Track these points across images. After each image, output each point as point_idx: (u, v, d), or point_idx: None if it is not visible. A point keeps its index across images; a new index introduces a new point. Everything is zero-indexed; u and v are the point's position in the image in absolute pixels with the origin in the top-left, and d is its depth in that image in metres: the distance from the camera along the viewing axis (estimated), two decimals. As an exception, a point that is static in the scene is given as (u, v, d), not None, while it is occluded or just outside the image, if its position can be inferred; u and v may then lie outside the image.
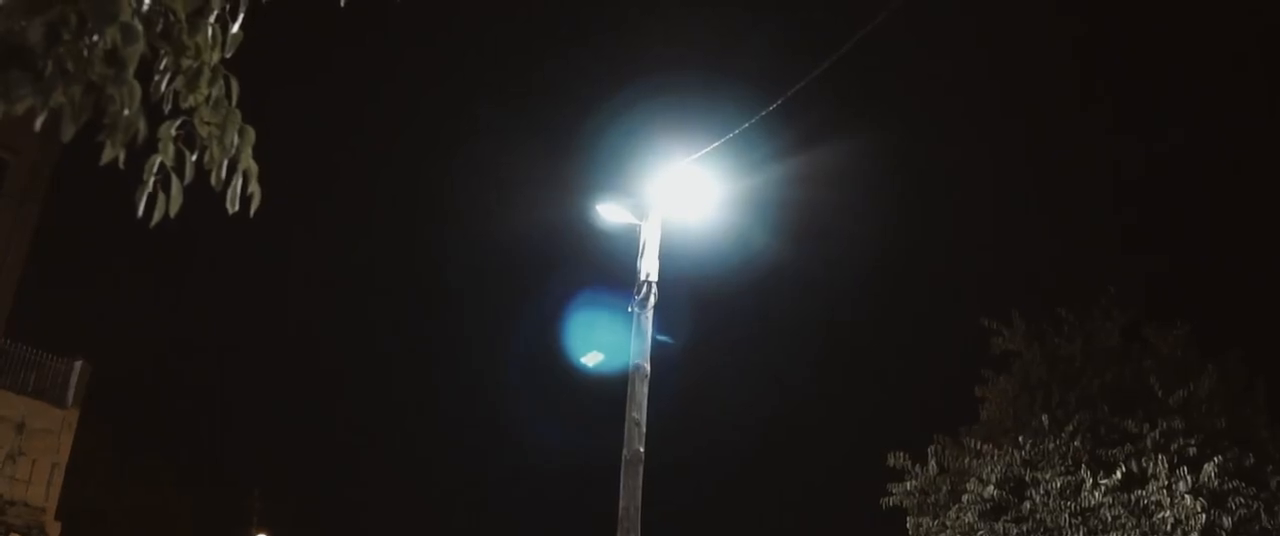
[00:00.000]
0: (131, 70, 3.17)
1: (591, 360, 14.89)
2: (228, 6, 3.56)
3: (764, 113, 12.83)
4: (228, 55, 3.57)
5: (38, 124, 3.19)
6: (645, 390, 13.11)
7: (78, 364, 24.49)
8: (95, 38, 3.07)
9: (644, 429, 12.88)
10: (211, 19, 3.49)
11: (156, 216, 3.50)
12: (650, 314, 13.41)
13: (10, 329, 24.61)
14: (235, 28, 3.59)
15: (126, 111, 3.22)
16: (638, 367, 13.13)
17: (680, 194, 13.64)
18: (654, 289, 13.43)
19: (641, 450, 12.73)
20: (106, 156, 3.28)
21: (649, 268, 13.47)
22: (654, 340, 13.37)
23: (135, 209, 3.46)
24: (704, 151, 13.27)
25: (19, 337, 24.15)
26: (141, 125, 3.30)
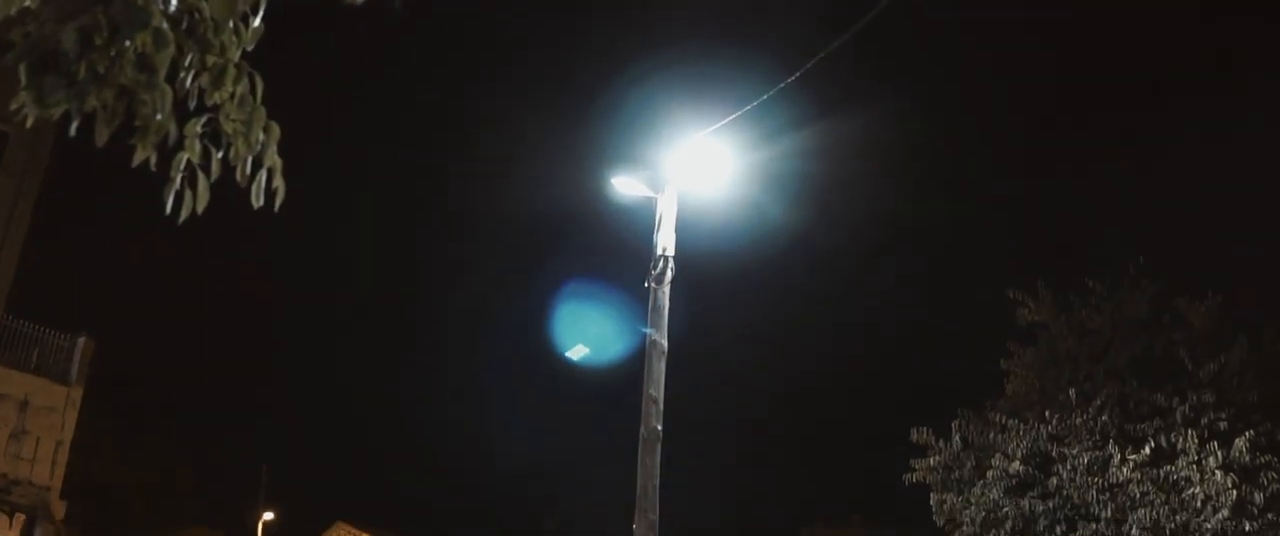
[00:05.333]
0: (162, 74, 3.23)
1: (576, 354, 14.65)
2: (250, 2, 3.58)
3: (783, 84, 12.46)
4: (249, 48, 3.59)
5: (73, 129, 3.23)
6: (663, 367, 12.86)
7: (80, 340, 24.14)
8: (127, 43, 3.11)
9: (661, 406, 12.60)
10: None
11: (184, 213, 3.54)
12: (667, 289, 13.11)
13: (12, 304, 24.26)
14: (256, 21, 3.61)
15: (158, 115, 3.27)
16: (655, 344, 12.87)
17: (697, 166, 13.28)
18: (671, 263, 13.12)
19: (659, 428, 12.51)
20: (138, 158, 3.34)
21: (666, 242, 13.15)
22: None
23: (164, 206, 3.51)
24: (721, 123, 12.91)
25: (21, 313, 23.80)
26: (172, 128, 3.36)
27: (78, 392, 23.91)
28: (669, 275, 13.08)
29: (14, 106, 3.10)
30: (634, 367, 12.84)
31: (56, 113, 3.10)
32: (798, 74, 12.32)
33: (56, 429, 23.28)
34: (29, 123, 3.22)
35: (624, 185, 13.40)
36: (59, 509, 23.24)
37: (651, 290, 13.07)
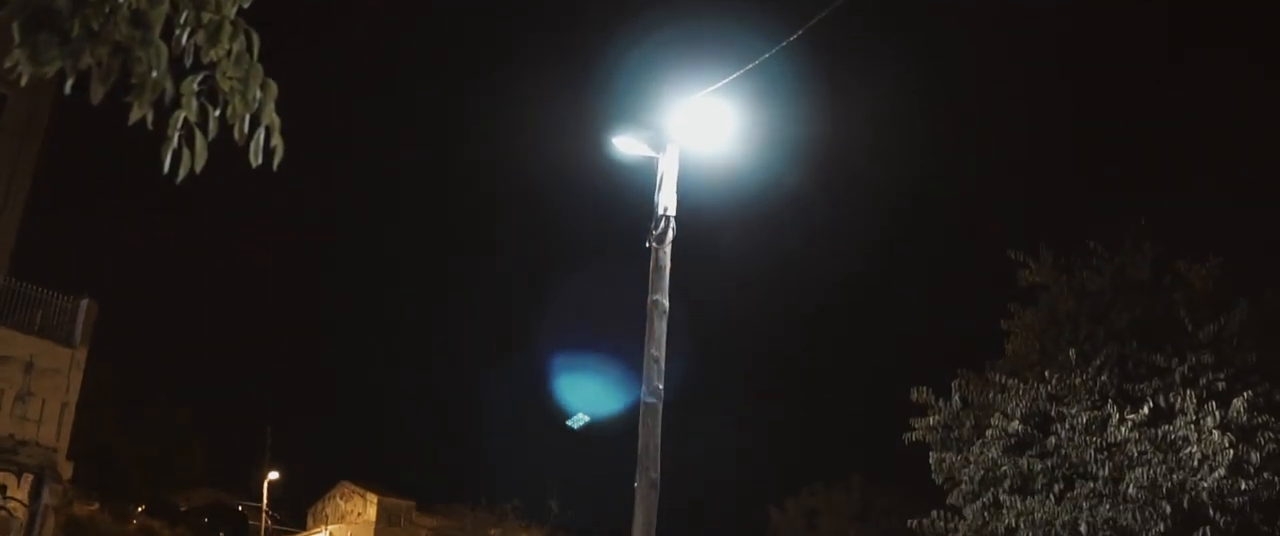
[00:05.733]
0: (157, 31, 3.20)
1: (577, 422, 14.53)
2: None
3: (786, 42, 12.37)
4: (246, 5, 3.55)
5: (67, 87, 3.20)
6: (664, 327, 12.86)
7: (84, 302, 24.19)
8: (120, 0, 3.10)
9: (663, 367, 12.64)
10: None
11: (182, 172, 3.52)
12: (668, 249, 13.12)
13: (15, 267, 24.31)
14: None
15: (154, 72, 3.24)
16: (655, 304, 12.87)
17: (699, 126, 13.23)
18: (672, 223, 13.12)
19: (661, 387, 12.53)
20: (134, 116, 3.31)
21: (667, 202, 13.13)
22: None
23: (161, 165, 3.49)
24: (724, 82, 12.84)
25: (24, 276, 23.85)
26: (168, 85, 3.33)
27: (82, 354, 24.00)
28: (670, 235, 13.08)
29: (8, 65, 3.07)
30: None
31: (51, 71, 3.08)
32: (800, 32, 12.25)
33: (61, 390, 23.39)
34: (23, 81, 3.20)
35: (625, 145, 13.36)
36: (66, 469, 23.40)
37: (653, 250, 13.08)
